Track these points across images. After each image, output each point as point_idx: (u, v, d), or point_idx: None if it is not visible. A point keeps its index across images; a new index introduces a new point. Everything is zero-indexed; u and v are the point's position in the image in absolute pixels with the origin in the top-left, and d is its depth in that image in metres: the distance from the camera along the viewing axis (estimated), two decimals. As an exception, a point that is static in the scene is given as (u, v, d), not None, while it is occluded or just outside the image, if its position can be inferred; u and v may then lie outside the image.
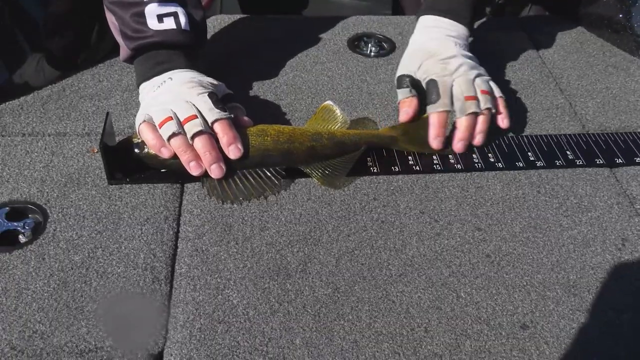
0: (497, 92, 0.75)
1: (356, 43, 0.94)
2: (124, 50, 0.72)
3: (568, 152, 0.73)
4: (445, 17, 0.79)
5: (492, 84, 0.75)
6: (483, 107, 0.72)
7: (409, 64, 0.77)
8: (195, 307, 0.54)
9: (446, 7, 0.79)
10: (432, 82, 0.72)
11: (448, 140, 0.73)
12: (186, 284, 0.56)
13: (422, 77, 0.74)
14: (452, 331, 0.54)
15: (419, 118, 0.74)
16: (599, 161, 0.73)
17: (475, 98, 0.72)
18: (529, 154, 0.73)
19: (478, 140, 0.73)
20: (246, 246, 0.60)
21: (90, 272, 0.57)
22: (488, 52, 0.86)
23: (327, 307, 0.55)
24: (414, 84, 0.76)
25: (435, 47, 0.77)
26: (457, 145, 0.72)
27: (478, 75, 0.74)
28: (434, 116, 0.72)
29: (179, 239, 0.61)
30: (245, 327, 0.53)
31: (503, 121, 0.74)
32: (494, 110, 0.73)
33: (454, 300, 0.56)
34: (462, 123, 0.72)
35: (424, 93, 0.74)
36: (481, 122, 0.72)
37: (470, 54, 0.78)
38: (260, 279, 0.57)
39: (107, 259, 0.58)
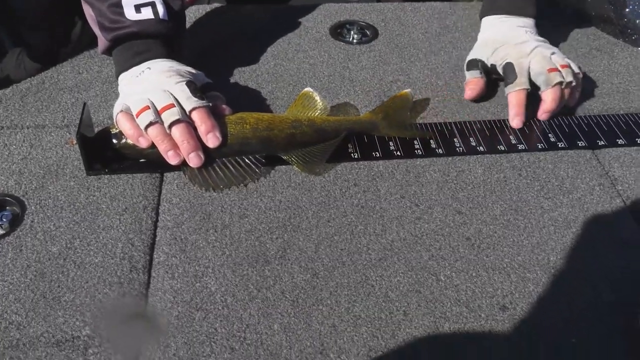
0: (576, 68, 0.75)
1: (339, 30, 0.93)
2: (102, 42, 0.72)
3: (550, 135, 0.73)
4: (508, 14, 0.79)
5: (568, 60, 0.76)
6: (567, 80, 0.73)
7: (480, 51, 0.78)
8: (173, 295, 0.54)
9: (507, 3, 0.79)
10: (509, 65, 0.74)
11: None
12: (164, 272, 0.56)
13: (498, 61, 0.75)
14: (431, 314, 0.54)
15: (398, 97, 0.73)
16: (581, 143, 0.72)
17: (557, 70, 0.73)
18: (511, 137, 0.73)
19: (570, 106, 0.75)
20: (225, 234, 0.60)
21: (67, 263, 0.56)
22: (473, 38, 0.86)
23: (305, 292, 0.55)
24: (485, 68, 0.77)
25: (506, 36, 0.78)
26: (543, 116, 0.74)
27: (553, 53, 0.75)
28: (512, 95, 0.73)
29: (158, 228, 0.60)
30: (223, 314, 0.53)
31: (571, 100, 0.76)
32: (574, 84, 0.74)
33: (434, 284, 0.56)
34: (548, 95, 0.73)
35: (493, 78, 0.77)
36: (568, 95, 0.74)
37: (542, 39, 0.79)
38: (238, 266, 0.57)
39: (84, 249, 0.57)
